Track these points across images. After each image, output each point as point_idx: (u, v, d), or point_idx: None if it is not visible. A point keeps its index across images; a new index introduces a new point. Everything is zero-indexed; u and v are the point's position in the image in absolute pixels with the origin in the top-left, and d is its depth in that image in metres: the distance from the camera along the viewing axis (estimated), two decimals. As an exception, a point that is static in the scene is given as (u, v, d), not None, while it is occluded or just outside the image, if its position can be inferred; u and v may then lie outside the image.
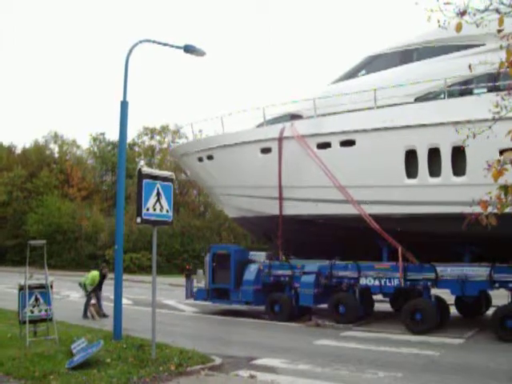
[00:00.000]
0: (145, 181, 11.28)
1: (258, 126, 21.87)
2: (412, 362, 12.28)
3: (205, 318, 20.47)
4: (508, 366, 11.72)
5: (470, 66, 8.92)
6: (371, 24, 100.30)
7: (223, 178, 23.13)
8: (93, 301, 19.85)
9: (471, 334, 15.97)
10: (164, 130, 62.80)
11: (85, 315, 19.50)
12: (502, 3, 8.24)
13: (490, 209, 7.02)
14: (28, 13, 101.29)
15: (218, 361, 11.61)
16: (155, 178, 11.54)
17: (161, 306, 20.98)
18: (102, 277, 20.19)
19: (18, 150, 66.64)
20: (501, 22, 7.61)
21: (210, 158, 23.09)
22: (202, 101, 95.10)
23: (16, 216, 56.63)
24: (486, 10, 8.17)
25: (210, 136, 24.87)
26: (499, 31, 7.60)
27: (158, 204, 11.41)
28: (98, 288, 20.09)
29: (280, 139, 19.93)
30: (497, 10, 8.13)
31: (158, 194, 11.44)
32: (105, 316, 19.45)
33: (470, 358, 12.78)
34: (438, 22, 8.03)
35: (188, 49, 15.41)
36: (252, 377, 10.70)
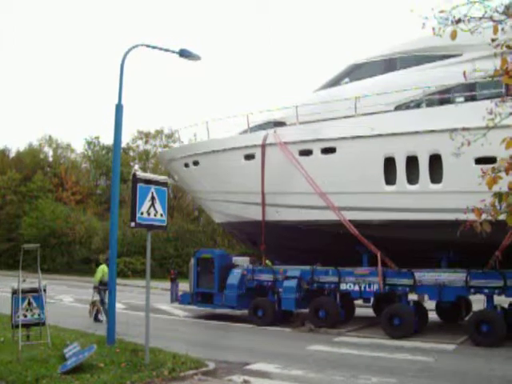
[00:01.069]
0: (139, 185, 10.63)
1: (242, 132, 21.24)
2: (405, 367, 11.57)
3: (198, 323, 19.51)
4: (501, 372, 11.15)
5: (464, 73, 8.48)
6: (369, 26, 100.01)
7: (208, 183, 22.44)
8: (95, 298, 18.66)
9: (464, 339, 15.04)
10: (158, 134, 60.76)
11: (98, 317, 18.36)
12: (497, 11, 7.80)
13: (483, 216, 6.70)
14: (23, 17, 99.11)
15: (211, 366, 10.88)
16: (149, 182, 10.90)
17: (154, 310, 19.92)
18: None
19: (12, 154, 64.36)
20: (495, 30, 7.30)
21: (195, 163, 22.42)
22: (197, 104, 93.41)
23: (10, 219, 54.60)
24: (483, 17, 7.71)
25: (196, 142, 24.23)
26: (493, 40, 7.22)
27: (152, 208, 10.74)
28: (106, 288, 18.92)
29: (263, 146, 19.34)
30: (491, 18, 7.67)
31: (153, 198, 10.77)
32: (99, 321, 18.24)
33: (463, 364, 12.14)
34: (433, 29, 7.66)
35: (183, 53, 14.65)
36: (245, 382, 10.02)
